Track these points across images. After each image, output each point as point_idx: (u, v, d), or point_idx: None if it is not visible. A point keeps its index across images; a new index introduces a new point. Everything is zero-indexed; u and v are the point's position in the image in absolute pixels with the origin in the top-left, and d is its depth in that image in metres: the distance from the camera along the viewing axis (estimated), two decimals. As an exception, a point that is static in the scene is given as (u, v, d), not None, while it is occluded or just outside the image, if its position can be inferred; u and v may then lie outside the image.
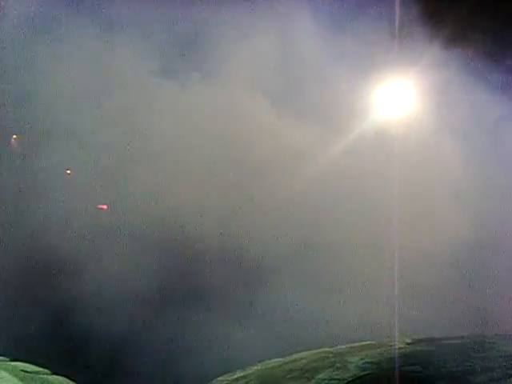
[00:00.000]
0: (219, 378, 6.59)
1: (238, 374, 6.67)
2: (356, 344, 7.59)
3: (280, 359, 7.02)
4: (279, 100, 15.19)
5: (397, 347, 7.32)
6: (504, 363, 6.71)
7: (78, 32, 13.71)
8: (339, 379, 6.22)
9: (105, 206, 14.52)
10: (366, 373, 6.44)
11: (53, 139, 13.74)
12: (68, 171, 14.86)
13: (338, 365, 6.61)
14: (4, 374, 6.57)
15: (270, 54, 14.96)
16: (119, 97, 13.99)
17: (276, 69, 15.21)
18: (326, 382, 6.14)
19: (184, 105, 14.46)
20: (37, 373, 6.93)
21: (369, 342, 7.66)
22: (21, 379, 6.53)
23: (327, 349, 7.42)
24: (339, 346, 7.50)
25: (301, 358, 6.97)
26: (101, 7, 13.95)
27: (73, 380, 6.96)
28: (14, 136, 14.67)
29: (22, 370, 6.83)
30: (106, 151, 14.01)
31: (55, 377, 6.94)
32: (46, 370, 7.03)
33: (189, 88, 14.56)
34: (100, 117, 13.80)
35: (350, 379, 6.24)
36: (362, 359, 6.82)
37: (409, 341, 7.62)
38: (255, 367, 6.81)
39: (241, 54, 14.71)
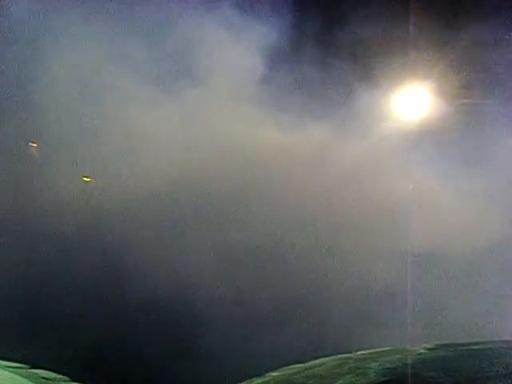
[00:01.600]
0: (238, 385, 6.59)
1: (257, 380, 6.65)
2: (375, 350, 7.54)
3: (299, 365, 6.99)
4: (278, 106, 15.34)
5: (417, 353, 7.27)
6: (526, 369, 6.64)
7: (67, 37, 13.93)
8: (359, 385, 6.20)
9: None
10: (385, 379, 6.41)
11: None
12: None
13: (357, 371, 6.58)
14: (24, 381, 6.63)
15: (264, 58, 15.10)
16: (104, 107, 14.20)
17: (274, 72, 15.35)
18: (346, 388, 6.12)
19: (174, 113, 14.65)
20: (57, 380, 6.97)
21: (388, 348, 7.61)
22: (41, 386, 6.58)
23: (346, 355, 7.37)
24: (359, 352, 7.46)
25: (320, 364, 6.93)
26: (88, 13, 14.15)
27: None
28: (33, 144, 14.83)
29: (43, 378, 6.88)
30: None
31: (75, 384, 6.99)
32: (65, 377, 7.07)
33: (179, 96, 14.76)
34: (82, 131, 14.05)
35: (369, 385, 6.21)
36: (381, 365, 6.78)
37: (429, 346, 7.56)
38: (274, 373, 6.79)
39: (231, 62, 14.90)
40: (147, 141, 14.20)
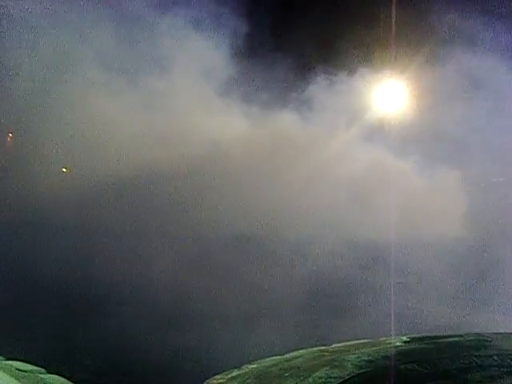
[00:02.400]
0: (215, 377, 6.58)
1: (235, 372, 6.65)
2: (352, 342, 7.59)
3: (277, 357, 7.00)
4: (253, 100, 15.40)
5: (394, 345, 7.33)
6: (500, 361, 6.73)
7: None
8: (336, 377, 6.22)
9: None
10: (362, 371, 6.45)
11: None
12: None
13: (334, 363, 6.61)
14: (-1, 373, 6.55)
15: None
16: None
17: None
18: (323, 380, 6.14)
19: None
20: (33, 372, 6.89)
21: (365, 341, 7.65)
22: (17, 378, 6.50)
23: (323, 347, 7.41)
24: (335, 345, 7.50)
25: (297, 357, 6.96)
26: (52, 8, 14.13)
27: (70, 379, 6.92)
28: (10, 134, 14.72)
29: (18, 369, 6.80)
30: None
31: (52, 376, 6.90)
32: (42, 370, 6.99)
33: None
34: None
35: (346, 377, 6.24)
36: (358, 357, 6.82)
37: (406, 339, 7.63)
38: (252, 366, 6.79)
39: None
40: (114, 130, 14.23)
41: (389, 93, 16.42)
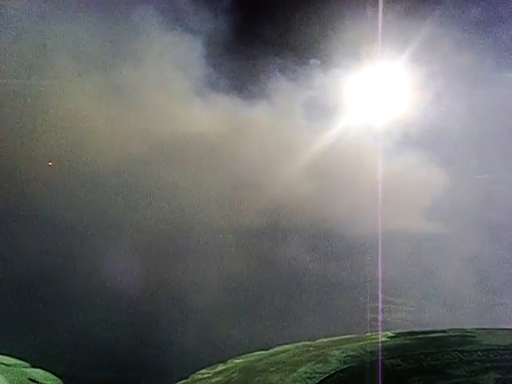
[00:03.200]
0: (200, 371, 6.56)
1: (220, 367, 6.64)
2: (337, 337, 7.60)
3: (262, 352, 7.00)
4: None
5: (378, 341, 7.35)
6: (483, 356, 6.79)
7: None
8: (321, 372, 6.24)
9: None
10: (347, 366, 6.47)
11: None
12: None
13: (319, 358, 6.62)
14: (-20, 367, 6.48)
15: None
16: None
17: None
18: (308, 375, 6.15)
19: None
20: (16, 365, 6.82)
21: (350, 336, 7.67)
22: (-1, 372, 6.44)
23: (308, 342, 7.42)
24: (320, 340, 7.51)
25: (282, 351, 6.96)
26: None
27: (53, 373, 6.86)
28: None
29: (1, 363, 6.73)
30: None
31: (35, 370, 6.84)
32: (25, 363, 6.92)
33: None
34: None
35: (331, 372, 6.25)
36: (343, 352, 6.83)
37: (391, 334, 7.66)
38: (237, 360, 6.79)
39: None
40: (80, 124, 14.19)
41: (356, 85, 16.48)
